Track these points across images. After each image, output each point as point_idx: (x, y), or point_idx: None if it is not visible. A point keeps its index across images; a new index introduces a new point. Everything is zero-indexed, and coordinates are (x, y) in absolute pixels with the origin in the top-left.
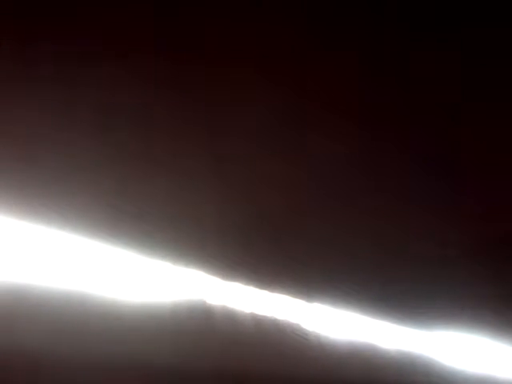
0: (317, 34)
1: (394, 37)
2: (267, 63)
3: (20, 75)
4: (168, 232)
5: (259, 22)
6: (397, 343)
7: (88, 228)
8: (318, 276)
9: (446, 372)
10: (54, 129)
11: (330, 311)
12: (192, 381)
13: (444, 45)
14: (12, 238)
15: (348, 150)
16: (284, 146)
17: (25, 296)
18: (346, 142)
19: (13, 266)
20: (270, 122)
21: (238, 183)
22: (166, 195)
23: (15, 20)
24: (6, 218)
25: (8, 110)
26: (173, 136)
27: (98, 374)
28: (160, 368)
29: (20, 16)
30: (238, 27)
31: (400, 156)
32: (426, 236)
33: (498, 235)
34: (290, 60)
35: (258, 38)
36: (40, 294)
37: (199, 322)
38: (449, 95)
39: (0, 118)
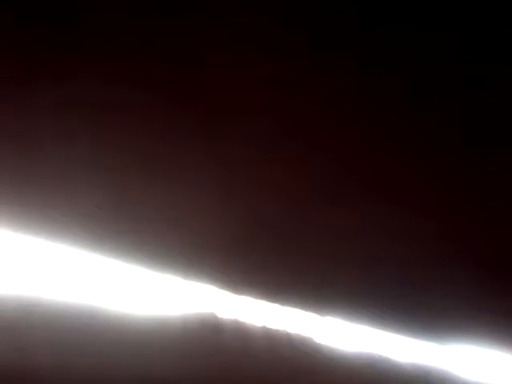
0: (318, 41)
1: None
2: (268, 67)
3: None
4: (177, 245)
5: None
6: (411, 356)
7: (95, 241)
8: (330, 289)
9: None
10: (52, 134)
11: (342, 324)
12: None
13: None
14: (16, 252)
15: (351, 155)
16: (285, 152)
17: (33, 310)
18: (348, 147)
19: (19, 280)
20: (270, 127)
21: (242, 192)
22: (171, 205)
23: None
24: (8, 231)
25: (6, 117)
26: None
27: None
28: (170, 382)
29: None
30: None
31: (402, 162)
32: (439, 249)
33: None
34: (292, 65)
35: (257, 39)
36: (48, 308)
37: (209, 336)
38: None
39: None
